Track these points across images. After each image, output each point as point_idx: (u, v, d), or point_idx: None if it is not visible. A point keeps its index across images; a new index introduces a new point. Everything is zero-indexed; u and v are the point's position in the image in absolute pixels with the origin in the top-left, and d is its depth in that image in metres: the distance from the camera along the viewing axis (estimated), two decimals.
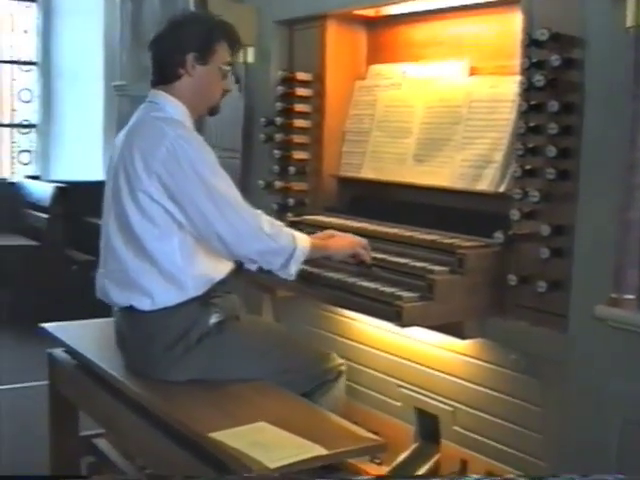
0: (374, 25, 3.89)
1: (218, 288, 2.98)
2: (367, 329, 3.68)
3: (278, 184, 3.98)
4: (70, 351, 3.54)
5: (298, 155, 3.95)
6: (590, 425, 2.70)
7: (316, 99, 3.94)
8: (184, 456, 2.67)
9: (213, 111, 3.10)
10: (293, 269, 2.91)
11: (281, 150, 3.99)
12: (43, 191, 7.84)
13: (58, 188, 7.66)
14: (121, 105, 6.25)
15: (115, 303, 2.99)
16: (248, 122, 4.19)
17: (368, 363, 3.67)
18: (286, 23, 4.10)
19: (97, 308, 4.74)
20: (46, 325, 3.66)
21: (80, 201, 7.80)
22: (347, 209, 3.80)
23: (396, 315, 2.84)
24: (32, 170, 8.91)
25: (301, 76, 3.93)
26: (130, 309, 2.93)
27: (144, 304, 2.88)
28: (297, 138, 3.96)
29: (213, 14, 3.12)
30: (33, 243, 7.62)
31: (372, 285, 3.03)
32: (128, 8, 6.07)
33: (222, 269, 2.99)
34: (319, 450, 2.40)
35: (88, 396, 3.34)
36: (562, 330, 2.80)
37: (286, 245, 2.88)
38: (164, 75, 2.99)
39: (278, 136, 3.98)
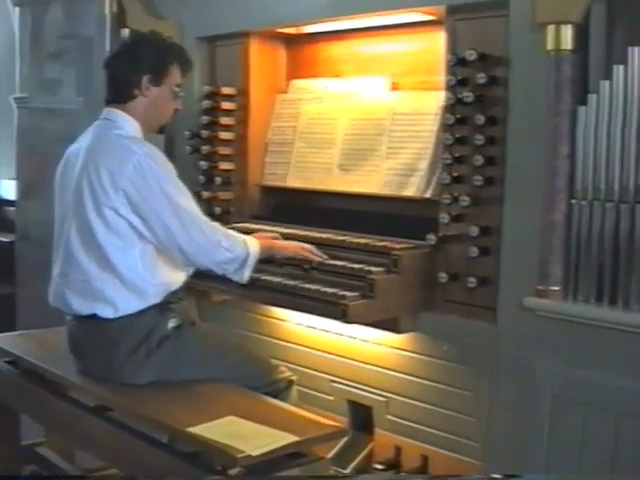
0: (294, 42, 4.13)
1: (173, 295, 3.14)
2: (298, 329, 3.91)
3: (205, 194, 4.16)
4: (12, 361, 3.62)
5: (224, 166, 4.16)
6: (522, 404, 3.01)
7: (240, 112, 4.15)
8: (153, 453, 2.82)
9: (163, 129, 3.26)
10: (246, 274, 3.11)
11: (207, 161, 4.18)
12: None
13: None
14: (21, 117, 6.23)
15: (76, 312, 3.09)
16: (171, 135, 4.33)
17: (300, 362, 3.88)
18: (208, 39, 4.29)
19: None
20: None
21: None
22: (272, 216, 4.02)
23: (342, 313, 3.08)
24: None
25: (225, 90, 4.14)
26: (91, 317, 3.05)
27: (107, 312, 3.02)
28: (222, 150, 4.17)
29: (165, 36, 3.25)
30: None
31: (314, 287, 3.27)
32: (27, 19, 6.05)
33: (178, 278, 3.16)
34: (292, 437, 2.61)
35: (39, 404, 3.41)
36: (491, 321, 3.12)
37: (240, 253, 3.08)
38: (119, 94, 3.12)
39: (204, 148, 4.18)
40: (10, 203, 7.42)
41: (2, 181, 8.13)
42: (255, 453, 2.49)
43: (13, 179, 7.02)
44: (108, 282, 2.99)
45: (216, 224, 3.12)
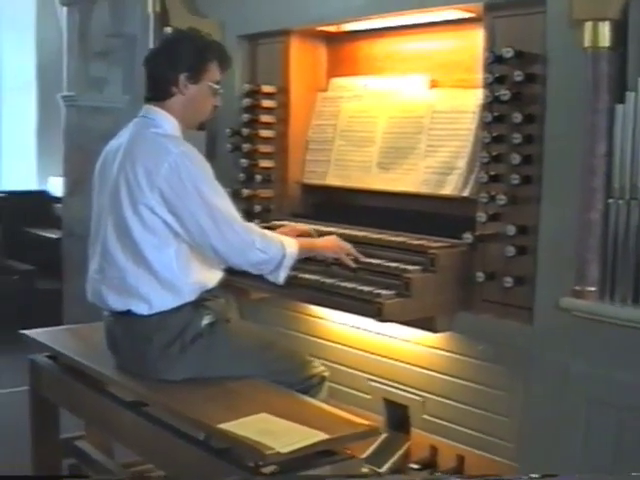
0: (334, 40, 4.13)
1: (208, 292, 3.16)
2: (336, 327, 3.91)
3: (245, 192, 4.18)
4: (52, 356, 3.67)
5: (264, 163, 4.17)
6: (557, 405, 2.98)
7: (280, 110, 4.16)
8: (186, 448, 2.85)
9: (202, 126, 3.28)
10: (282, 275, 3.12)
11: (247, 159, 4.20)
12: None
13: None
14: (69, 116, 6.31)
15: (112, 308, 3.14)
16: (212, 133, 4.36)
17: (337, 360, 3.89)
18: (249, 38, 4.31)
19: (41, 316, 4.88)
20: (27, 331, 3.77)
21: (18, 211, 7.89)
22: (312, 214, 4.02)
23: (377, 312, 3.07)
24: None
25: (266, 88, 4.16)
26: (127, 313, 3.09)
27: (142, 309, 3.05)
28: (263, 147, 4.18)
29: (203, 33, 3.27)
30: None
31: (350, 285, 3.25)
32: (75, 18, 6.13)
33: (213, 277, 3.18)
34: (323, 436, 2.62)
35: (77, 399, 3.47)
36: (527, 321, 3.09)
37: (275, 254, 3.08)
38: (157, 92, 3.15)
39: (245, 146, 4.20)
40: (59, 200, 7.52)
41: (51, 178, 8.26)
42: (284, 450, 2.51)
43: (62, 176, 7.12)
44: (143, 279, 3.02)
45: (252, 225, 3.13)
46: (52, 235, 7.50)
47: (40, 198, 8.26)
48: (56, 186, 7.82)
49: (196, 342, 3.07)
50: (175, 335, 3.05)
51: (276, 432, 2.62)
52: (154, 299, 3.03)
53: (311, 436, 2.61)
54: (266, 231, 3.17)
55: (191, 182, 2.95)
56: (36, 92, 8.62)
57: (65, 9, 6.29)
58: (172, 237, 3.00)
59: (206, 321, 3.12)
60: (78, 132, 6.19)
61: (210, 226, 2.96)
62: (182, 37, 3.33)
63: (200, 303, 3.11)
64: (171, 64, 3.11)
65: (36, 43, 8.49)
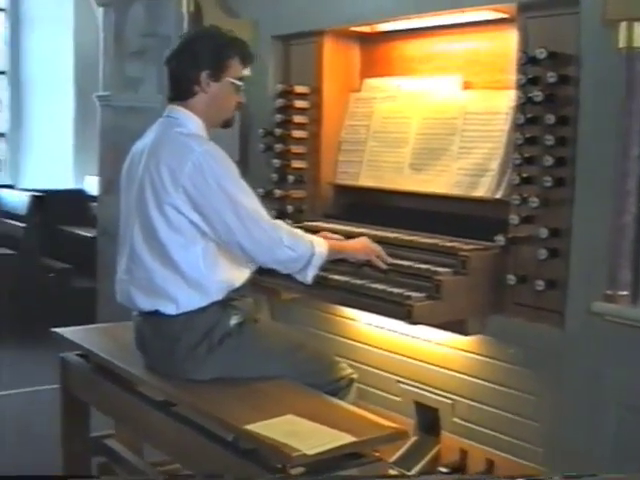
0: (368, 40, 4.11)
1: (235, 292, 3.16)
2: (366, 329, 3.90)
3: (277, 192, 4.17)
4: (83, 354, 3.69)
5: (296, 164, 4.17)
6: (587, 411, 2.95)
7: (313, 110, 4.15)
8: (214, 449, 2.85)
9: (227, 123, 3.28)
10: (310, 274, 3.11)
11: (280, 159, 4.20)
12: (19, 200, 7.92)
13: (35, 197, 7.75)
14: (104, 115, 6.35)
15: (140, 308, 3.15)
16: (245, 133, 4.37)
17: (367, 361, 3.87)
18: (283, 38, 4.30)
19: (76, 314, 4.91)
20: (59, 330, 3.79)
21: (55, 210, 7.97)
22: (344, 215, 4.00)
23: (406, 314, 3.05)
24: (1, 179, 8.96)
25: (299, 89, 4.15)
26: (154, 313, 3.10)
27: (169, 309, 3.06)
28: (295, 148, 4.17)
29: (224, 30, 3.27)
30: (9, 252, 7.67)
31: (380, 286, 3.24)
32: (111, 18, 6.17)
33: (241, 276, 3.18)
34: (349, 438, 2.60)
35: (107, 397, 3.49)
36: (558, 325, 3.06)
37: (304, 253, 3.07)
38: (180, 92, 3.15)
39: (277, 146, 4.19)
40: (95, 199, 7.58)
41: (87, 177, 8.33)
42: (311, 452, 2.50)
43: (97, 175, 7.17)
44: (170, 279, 3.03)
45: (280, 222, 3.12)
46: (88, 234, 7.56)
47: (77, 197, 8.35)
48: (92, 185, 7.88)
49: (224, 342, 3.07)
50: (202, 335, 3.05)
51: (303, 434, 2.61)
52: (181, 299, 3.04)
53: (338, 438, 2.60)
54: (295, 229, 3.16)
55: (215, 180, 2.95)
56: (73, 92, 8.73)
57: (101, 10, 6.32)
58: (199, 236, 3.01)
59: (234, 321, 3.12)
60: (113, 132, 6.22)
61: (236, 223, 2.96)
62: (202, 35, 3.33)
63: (228, 303, 3.11)
64: (192, 63, 3.11)
65: (74, 43, 8.60)
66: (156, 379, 3.18)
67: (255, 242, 3.00)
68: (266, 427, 2.66)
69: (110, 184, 6.22)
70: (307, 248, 3.08)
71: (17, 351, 6.37)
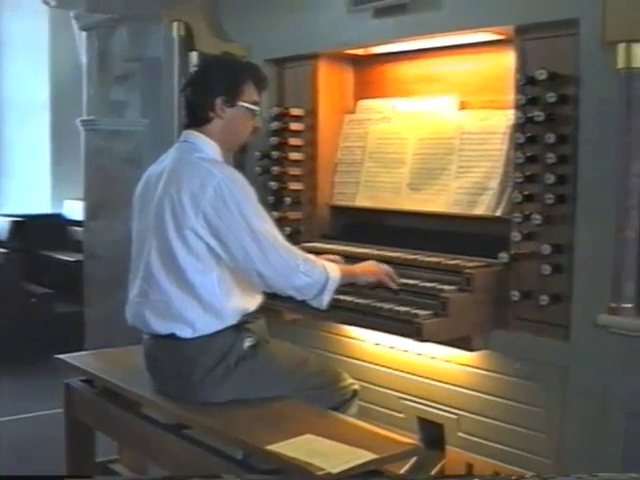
0: (362, 62, 4.18)
1: (249, 315, 3.21)
2: (367, 347, 3.94)
3: (274, 214, 4.20)
4: (87, 380, 3.71)
5: (293, 186, 4.23)
6: (594, 422, 3.02)
7: (308, 133, 4.22)
8: (231, 469, 2.88)
9: (244, 148, 3.32)
10: (326, 299, 3.16)
11: (277, 182, 4.26)
12: None
13: (15, 222, 7.74)
14: (89, 140, 6.38)
15: (155, 331, 3.17)
16: (240, 156, 4.40)
17: (370, 379, 3.91)
18: (276, 62, 4.36)
19: (60, 339, 4.91)
20: (62, 356, 3.81)
21: (35, 234, 7.97)
22: (342, 236, 4.06)
23: (416, 332, 3.11)
24: None
25: (294, 111, 4.22)
26: (169, 337, 3.13)
27: (186, 333, 3.09)
28: (292, 170, 4.24)
29: (237, 56, 3.32)
30: None
31: (387, 305, 3.29)
32: (94, 43, 6.21)
33: (254, 301, 3.23)
34: (370, 455, 2.65)
35: (115, 422, 3.50)
36: (563, 339, 3.14)
37: (319, 278, 3.12)
38: (196, 118, 3.20)
39: (274, 169, 4.25)
40: (75, 223, 7.59)
41: (66, 202, 8.32)
42: (335, 470, 2.54)
43: (78, 199, 7.18)
44: (187, 303, 3.06)
45: (295, 248, 3.16)
46: (69, 258, 7.56)
47: (56, 221, 8.32)
48: (72, 209, 7.89)
49: (239, 364, 3.11)
50: (219, 358, 3.09)
51: (324, 453, 2.66)
52: (198, 323, 3.07)
53: (359, 456, 2.64)
54: (309, 255, 3.20)
55: (236, 206, 2.99)
56: (50, 116, 8.70)
57: (84, 34, 6.36)
58: (214, 262, 3.04)
59: (248, 343, 3.16)
60: (98, 156, 6.27)
61: (255, 250, 3.01)
62: (215, 62, 3.41)
63: (242, 326, 3.15)
64: (206, 90, 3.16)
65: (50, 68, 8.58)
66: (168, 402, 3.20)
67: (273, 269, 3.04)
68: (288, 447, 2.70)
69: (97, 208, 6.26)
70: (321, 273, 3.12)
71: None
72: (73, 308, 7.08)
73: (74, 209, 7.80)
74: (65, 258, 7.70)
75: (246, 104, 3.20)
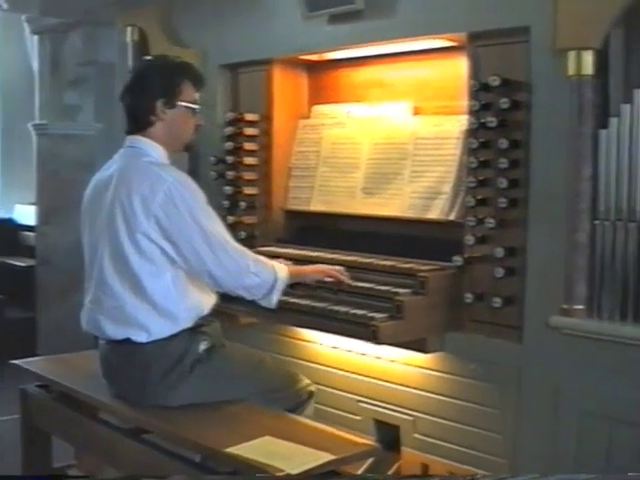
0: (316, 68, 4.22)
1: (204, 318, 3.22)
2: (323, 350, 3.98)
3: (230, 218, 4.23)
4: (44, 385, 3.70)
5: (248, 190, 4.25)
6: (548, 421, 3.09)
7: (263, 137, 4.24)
8: (189, 472, 2.90)
9: (189, 147, 3.34)
10: (274, 298, 3.19)
11: (232, 186, 4.27)
12: None
13: None
14: (41, 144, 6.34)
15: (109, 337, 3.17)
16: (193, 161, 4.42)
17: (326, 382, 3.94)
18: (231, 67, 4.39)
19: (12, 345, 4.86)
20: (17, 361, 3.79)
21: None
22: (297, 240, 4.09)
23: (372, 334, 3.15)
24: None
25: (249, 117, 4.24)
26: (124, 342, 3.13)
27: (141, 337, 3.10)
28: (247, 175, 4.26)
29: (172, 57, 3.34)
30: None
31: (343, 308, 3.33)
32: (47, 47, 6.17)
33: (209, 302, 3.25)
34: (328, 456, 2.69)
35: (73, 427, 3.50)
36: (517, 340, 3.20)
37: (267, 278, 3.16)
38: (138, 123, 3.21)
39: (229, 173, 4.27)
40: (27, 228, 7.51)
41: (17, 206, 8.24)
42: (295, 472, 2.57)
43: (30, 204, 7.11)
44: (141, 308, 3.08)
45: (245, 249, 3.20)
46: (20, 263, 7.49)
47: (7, 226, 8.22)
48: (24, 214, 7.81)
49: (195, 368, 3.13)
50: (174, 362, 3.10)
51: (283, 454, 2.69)
52: (152, 327, 3.09)
53: (318, 457, 2.68)
54: (258, 256, 3.24)
55: (186, 209, 3.02)
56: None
57: (36, 37, 6.31)
58: (168, 264, 3.06)
59: (203, 346, 3.18)
60: (51, 160, 6.23)
61: (206, 251, 3.03)
62: (150, 65, 3.42)
63: (196, 329, 3.17)
64: (145, 94, 3.18)
65: None
66: (126, 407, 3.21)
67: (224, 269, 3.07)
68: (247, 449, 2.72)
69: (50, 213, 6.22)
70: (271, 273, 3.16)
71: None
72: (24, 314, 7.02)
73: (25, 214, 7.73)
74: (16, 263, 7.61)
75: (186, 103, 3.21)
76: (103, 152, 5.88)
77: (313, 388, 3.43)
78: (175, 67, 3.28)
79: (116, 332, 3.14)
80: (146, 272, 3.05)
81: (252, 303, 3.28)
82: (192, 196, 3.07)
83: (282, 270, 3.22)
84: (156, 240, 3.02)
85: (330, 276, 3.39)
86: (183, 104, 3.21)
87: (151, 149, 3.18)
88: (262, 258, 3.24)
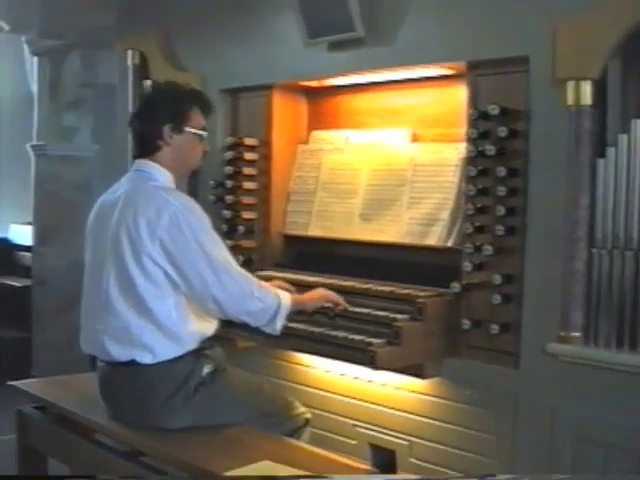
0: (316, 94, 4.26)
1: (206, 342, 3.24)
2: (320, 375, 3.99)
3: (228, 242, 4.21)
4: (40, 406, 3.70)
5: (247, 215, 4.28)
6: (544, 447, 3.11)
7: (262, 162, 4.27)
8: None
9: (195, 173, 3.36)
10: (278, 324, 3.20)
11: (230, 210, 4.30)
12: None
13: None
14: (39, 164, 6.36)
15: (114, 358, 3.16)
16: (193, 184, 4.43)
17: (322, 406, 3.96)
18: (231, 92, 4.43)
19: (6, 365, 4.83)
20: (15, 382, 3.79)
21: None
22: (295, 264, 4.11)
23: (370, 360, 3.17)
24: None
25: (248, 141, 4.27)
26: (129, 363, 3.14)
27: (146, 358, 3.10)
28: (245, 199, 4.29)
29: (181, 83, 3.37)
30: None
31: (341, 334, 3.36)
32: (46, 69, 6.20)
33: (211, 326, 3.26)
34: None
35: (69, 449, 3.49)
36: (513, 366, 3.22)
37: (271, 304, 3.17)
38: (146, 148, 3.23)
39: (228, 198, 4.30)
40: (22, 248, 7.51)
41: (12, 226, 8.24)
42: None
43: (26, 224, 7.12)
44: (146, 329, 3.08)
45: (249, 274, 3.21)
46: (15, 283, 7.48)
47: (1, 246, 8.22)
48: (19, 234, 7.81)
49: (199, 391, 3.13)
50: (179, 384, 3.11)
51: (282, 478, 2.69)
52: (157, 348, 3.09)
53: None
54: (262, 282, 3.26)
55: (191, 233, 3.03)
56: None
57: (35, 59, 6.35)
58: (171, 288, 3.07)
59: (207, 370, 3.19)
60: (48, 181, 6.25)
61: (211, 276, 3.05)
62: (159, 90, 3.47)
63: (200, 352, 3.18)
64: (153, 119, 3.20)
65: None
66: (123, 428, 3.20)
67: (228, 294, 3.08)
68: (246, 473, 2.73)
69: (48, 233, 6.23)
70: (274, 299, 3.18)
71: None
72: (19, 334, 7.01)
73: (21, 233, 7.74)
74: (11, 283, 7.61)
75: (193, 130, 3.23)
76: (100, 174, 5.95)
77: (309, 415, 3.43)
78: (185, 93, 3.31)
79: (121, 353, 3.14)
80: (151, 295, 3.07)
81: (249, 327, 3.29)
82: (197, 221, 3.09)
83: (285, 297, 3.24)
84: (160, 263, 3.04)
85: (330, 300, 3.41)
86: (191, 130, 3.23)
87: (158, 173, 3.21)
88: (265, 284, 3.26)
